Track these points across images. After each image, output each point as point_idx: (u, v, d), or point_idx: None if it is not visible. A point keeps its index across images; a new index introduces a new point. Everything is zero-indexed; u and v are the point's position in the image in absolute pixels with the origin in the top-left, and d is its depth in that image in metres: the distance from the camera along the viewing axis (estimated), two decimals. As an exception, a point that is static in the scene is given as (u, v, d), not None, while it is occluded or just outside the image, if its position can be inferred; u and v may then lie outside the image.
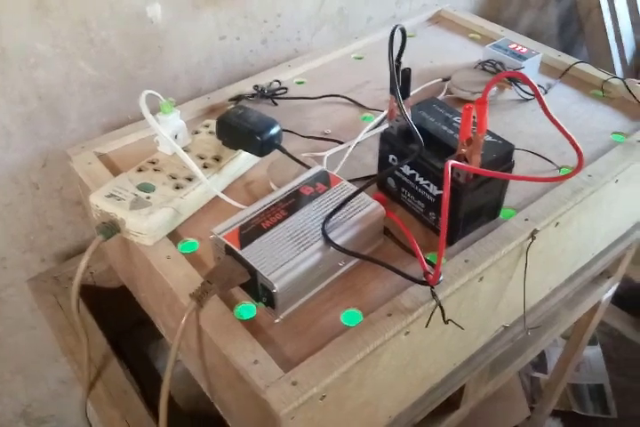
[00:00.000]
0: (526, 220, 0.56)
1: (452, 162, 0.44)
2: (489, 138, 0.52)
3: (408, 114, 0.52)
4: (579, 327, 1.14)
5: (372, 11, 0.93)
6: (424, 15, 0.86)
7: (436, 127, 0.53)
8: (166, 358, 0.65)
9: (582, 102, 0.71)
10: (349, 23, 0.91)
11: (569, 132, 0.43)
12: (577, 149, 0.44)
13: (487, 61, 0.72)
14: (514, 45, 0.73)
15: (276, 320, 0.48)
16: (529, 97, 0.71)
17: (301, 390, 0.43)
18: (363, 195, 0.52)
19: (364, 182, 0.57)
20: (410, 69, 0.49)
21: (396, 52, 0.49)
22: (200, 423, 0.87)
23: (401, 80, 0.49)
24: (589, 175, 0.60)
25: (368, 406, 0.54)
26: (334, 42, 0.82)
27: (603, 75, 0.73)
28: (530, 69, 0.72)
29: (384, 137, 0.55)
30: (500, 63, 0.71)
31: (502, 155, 0.51)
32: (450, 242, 0.55)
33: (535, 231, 0.55)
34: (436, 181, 0.52)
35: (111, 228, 0.52)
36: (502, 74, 0.42)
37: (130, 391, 0.64)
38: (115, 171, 0.61)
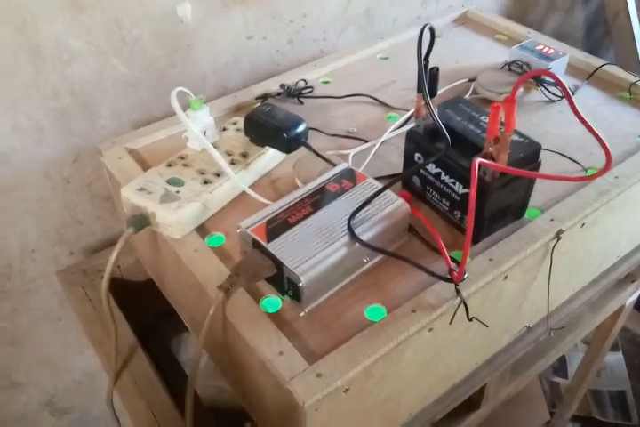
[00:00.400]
0: (552, 220, 0.56)
1: (479, 160, 0.44)
2: (516, 137, 0.52)
3: (435, 112, 0.52)
4: (601, 332, 1.13)
5: (397, 11, 0.94)
6: (450, 16, 0.86)
7: (463, 126, 0.53)
8: (189, 351, 0.66)
9: (609, 104, 0.71)
10: (375, 24, 0.92)
11: (597, 132, 0.43)
12: (605, 148, 0.44)
13: (514, 62, 0.72)
14: (540, 46, 0.73)
15: (301, 314, 0.49)
16: (555, 98, 0.71)
17: (326, 382, 0.44)
18: (388, 192, 0.52)
19: (389, 180, 0.58)
20: (438, 68, 0.50)
21: (423, 52, 0.50)
22: (221, 417, 0.88)
23: (429, 79, 0.50)
24: (616, 177, 0.60)
25: (390, 402, 0.55)
26: (360, 42, 0.82)
27: (630, 77, 0.73)
28: (557, 71, 0.72)
29: (410, 135, 0.56)
30: (527, 64, 0.71)
31: (529, 154, 0.51)
32: (475, 240, 0.55)
33: (560, 231, 0.55)
34: (462, 179, 0.52)
35: (141, 220, 0.53)
36: (532, 72, 0.43)
37: (155, 383, 0.66)
38: (144, 166, 0.62)
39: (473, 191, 0.43)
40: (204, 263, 0.53)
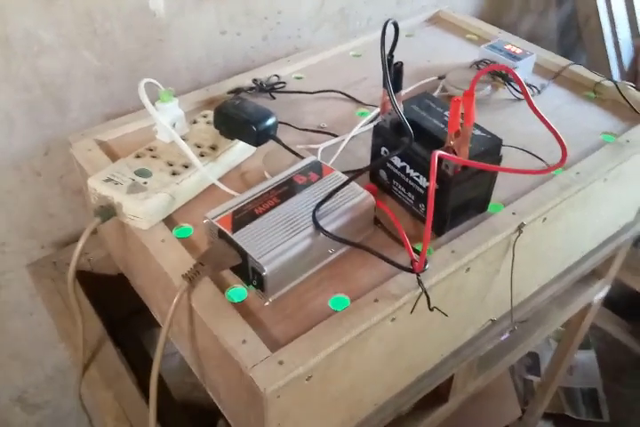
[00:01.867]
0: (514, 213, 0.57)
1: (438, 152, 0.45)
2: (478, 132, 0.53)
3: (400, 107, 0.54)
4: (570, 329, 1.15)
5: (372, 11, 0.95)
6: (422, 15, 0.88)
7: (428, 121, 0.54)
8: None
9: (574, 103, 0.73)
10: (350, 22, 0.93)
11: (552, 125, 0.45)
12: (560, 141, 0.45)
13: (481, 61, 0.73)
14: (509, 46, 0.75)
15: (266, 303, 0.50)
16: (522, 97, 0.72)
17: (287, 369, 0.45)
18: (354, 185, 0.53)
19: (351, 173, 0.59)
20: (402, 63, 0.51)
21: (389, 47, 0.51)
22: (194, 414, 0.88)
23: (393, 74, 0.51)
24: (577, 173, 0.62)
25: (354, 391, 0.56)
26: (334, 40, 0.83)
27: (595, 77, 0.75)
28: (524, 70, 0.74)
29: (376, 130, 0.57)
30: (494, 63, 0.72)
31: (490, 148, 0.52)
32: (439, 233, 0.56)
33: (522, 225, 0.57)
34: (426, 173, 0.53)
35: (108, 211, 0.53)
36: (490, 67, 0.44)
37: (123, 374, 0.66)
38: (114, 158, 0.62)
39: (432, 183, 0.44)
40: (171, 254, 0.53)
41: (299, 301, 0.51)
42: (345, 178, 0.54)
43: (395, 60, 0.52)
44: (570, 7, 1.29)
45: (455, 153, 0.50)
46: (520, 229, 0.57)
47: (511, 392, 1.32)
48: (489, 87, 0.73)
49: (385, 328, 0.51)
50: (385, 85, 0.49)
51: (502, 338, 0.92)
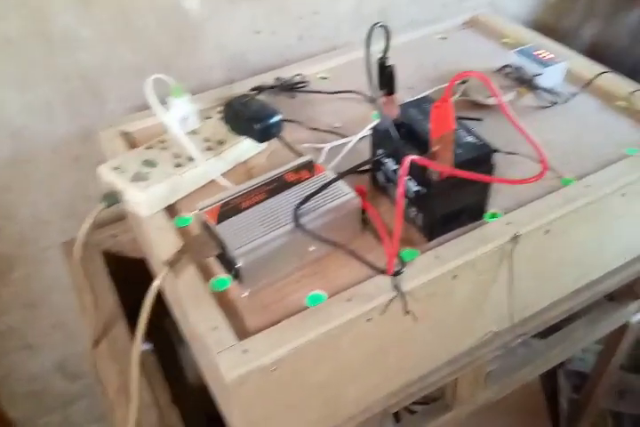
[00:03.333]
0: (508, 223, 0.56)
1: (410, 157, 0.45)
2: (470, 138, 0.52)
3: (397, 110, 0.54)
4: (608, 349, 1.10)
5: (415, 12, 0.94)
6: (460, 18, 0.86)
7: (422, 125, 0.54)
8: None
9: (603, 113, 0.70)
10: (390, 24, 0.92)
11: (529, 134, 0.44)
12: (537, 149, 0.44)
13: (506, 66, 0.71)
14: (539, 52, 0.72)
15: (243, 294, 0.52)
16: (548, 104, 0.70)
17: (250, 358, 0.47)
18: (342, 185, 0.54)
19: (355, 175, 0.60)
20: (393, 66, 0.51)
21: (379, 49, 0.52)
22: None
23: (386, 77, 0.51)
24: (587, 185, 0.59)
25: (329, 388, 0.57)
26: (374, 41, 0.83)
27: (630, 86, 0.71)
28: (552, 76, 0.71)
29: (374, 132, 0.57)
30: (520, 68, 0.71)
31: (480, 156, 0.52)
32: (429, 238, 0.56)
33: (517, 236, 0.56)
34: (416, 177, 0.53)
35: (113, 197, 0.57)
36: (460, 74, 0.44)
37: (129, 351, 0.70)
38: (134, 148, 0.67)
39: (401, 188, 0.45)
40: (165, 241, 0.56)
41: (277, 294, 0.52)
42: (333, 177, 0.54)
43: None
44: None
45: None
46: (515, 239, 0.56)
47: (542, 411, 1.28)
48: (514, 93, 0.71)
49: (361, 328, 0.52)
50: (371, 88, 0.50)
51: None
